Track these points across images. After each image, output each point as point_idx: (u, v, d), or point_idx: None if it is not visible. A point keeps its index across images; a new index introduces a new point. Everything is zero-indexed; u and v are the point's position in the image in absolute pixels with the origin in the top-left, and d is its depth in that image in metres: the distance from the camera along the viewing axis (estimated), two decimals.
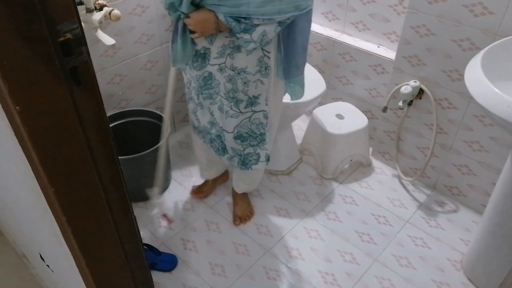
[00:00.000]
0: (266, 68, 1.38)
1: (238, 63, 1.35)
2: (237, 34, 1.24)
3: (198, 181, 2.01)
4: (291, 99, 1.53)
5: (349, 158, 2.07)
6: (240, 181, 1.81)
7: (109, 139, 0.74)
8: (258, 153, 1.57)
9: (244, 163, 1.59)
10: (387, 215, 1.90)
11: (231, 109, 1.45)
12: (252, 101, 1.44)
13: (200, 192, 1.96)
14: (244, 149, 1.56)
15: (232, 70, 1.36)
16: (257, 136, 1.53)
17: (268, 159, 1.61)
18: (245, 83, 1.39)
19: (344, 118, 2.05)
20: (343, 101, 2.24)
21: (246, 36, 1.24)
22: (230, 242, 1.79)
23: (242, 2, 1.17)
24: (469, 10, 1.52)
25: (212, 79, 1.41)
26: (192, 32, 1.30)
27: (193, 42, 1.35)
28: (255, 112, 1.47)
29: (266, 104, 1.47)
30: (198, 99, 1.53)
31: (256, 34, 1.23)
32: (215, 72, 1.39)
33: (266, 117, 1.50)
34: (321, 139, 2.05)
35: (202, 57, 1.37)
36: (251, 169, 1.60)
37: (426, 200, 1.97)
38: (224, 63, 1.36)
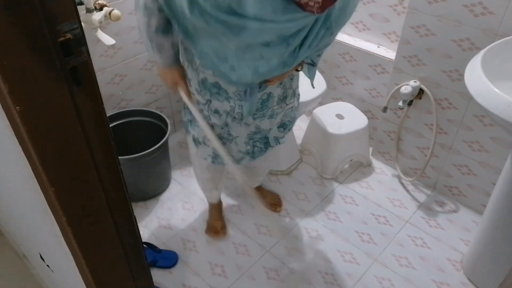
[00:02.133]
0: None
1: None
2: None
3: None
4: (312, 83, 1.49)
5: (349, 158, 2.07)
6: (257, 176, 1.82)
7: (109, 139, 0.74)
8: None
9: (277, 142, 1.58)
10: (387, 215, 1.90)
11: (280, 107, 1.43)
12: (294, 92, 1.46)
13: (218, 231, 1.82)
14: (284, 135, 1.55)
15: (289, 78, 1.36)
16: (292, 120, 1.54)
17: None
18: (292, 79, 1.39)
19: (344, 118, 2.05)
20: (343, 101, 2.24)
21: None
22: (230, 242, 1.79)
23: None
24: (469, 10, 1.52)
25: (269, 99, 1.35)
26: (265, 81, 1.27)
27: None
28: (294, 101, 1.50)
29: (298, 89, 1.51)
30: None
31: None
32: (274, 89, 1.34)
33: (298, 99, 1.52)
34: (321, 139, 2.05)
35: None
36: (280, 142, 1.57)
37: (426, 200, 1.97)
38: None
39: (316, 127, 2.07)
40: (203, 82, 1.30)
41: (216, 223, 1.83)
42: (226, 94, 1.29)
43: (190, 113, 1.41)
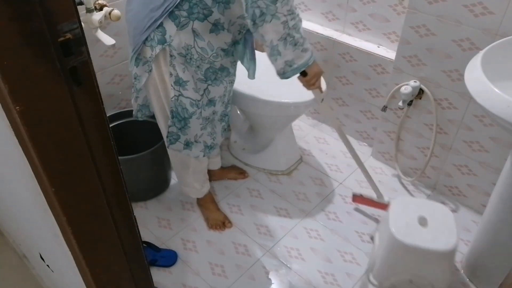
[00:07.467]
0: None
1: None
2: None
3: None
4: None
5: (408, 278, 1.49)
6: (219, 155, 1.99)
7: (109, 139, 0.74)
8: None
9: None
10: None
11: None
12: None
13: (223, 223, 1.85)
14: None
15: None
16: None
17: None
18: None
19: (428, 226, 1.40)
20: (343, 101, 2.24)
21: None
22: (230, 242, 1.79)
23: None
24: (469, 10, 1.52)
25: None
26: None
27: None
28: None
29: None
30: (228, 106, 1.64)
31: None
32: None
33: None
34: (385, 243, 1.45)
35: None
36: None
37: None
38: None
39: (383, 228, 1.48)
40: (205, 73, 1.42)
41: (217, 214, 1.86)
42: (221, 77, 1.47)
43: (179, 121, 1.53)
